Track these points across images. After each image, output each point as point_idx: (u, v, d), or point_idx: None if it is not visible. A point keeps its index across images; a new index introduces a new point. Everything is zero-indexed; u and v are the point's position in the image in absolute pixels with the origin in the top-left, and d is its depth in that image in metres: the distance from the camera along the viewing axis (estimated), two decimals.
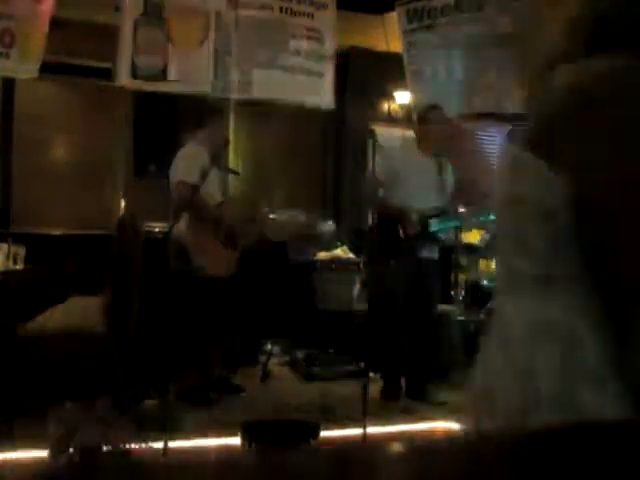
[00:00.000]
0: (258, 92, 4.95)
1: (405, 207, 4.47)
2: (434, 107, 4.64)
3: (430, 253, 4.59)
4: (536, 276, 1.07)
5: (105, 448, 2.95)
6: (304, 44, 5.04)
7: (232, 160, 6.38)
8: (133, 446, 3.07)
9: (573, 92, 0.98)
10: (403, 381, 4.70)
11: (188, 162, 4.17)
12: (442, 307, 5.14)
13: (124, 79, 4.69)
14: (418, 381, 4.67)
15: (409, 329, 4.59)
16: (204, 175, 3.94)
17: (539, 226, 1.05)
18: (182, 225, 4.15)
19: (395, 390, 4.60)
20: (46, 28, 4.38)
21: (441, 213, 4.55)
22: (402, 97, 6.60)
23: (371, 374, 4.68)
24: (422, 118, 4.65)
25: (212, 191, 4.36)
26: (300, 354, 5.52)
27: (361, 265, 5.07)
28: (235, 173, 5.01)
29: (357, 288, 5.31)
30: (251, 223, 4.64)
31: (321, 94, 5.13)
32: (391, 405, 4.50)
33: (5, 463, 3.16)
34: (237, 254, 4.47)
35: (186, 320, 4.20)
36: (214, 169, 4.29)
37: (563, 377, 1.02)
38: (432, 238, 4.54)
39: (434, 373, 4.78)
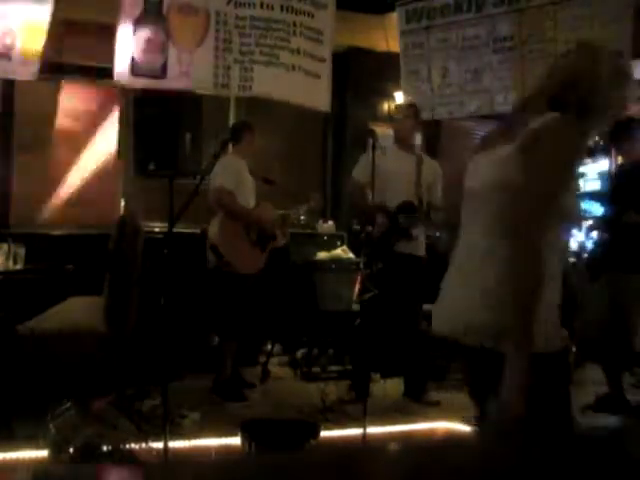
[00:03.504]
0: (258, 91, 4.95)
1: (373, 204, 4.59)
2: (409, 105, 4.86)
3: (409, 249, 4.56)
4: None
5: (105, 448, 2.95)
6: (304, 43, 5.03)
7: None
8: (133, 446, 3.07)
9: (543, 128, 1.88)
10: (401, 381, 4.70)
11: (227, 170, 4.60)
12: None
13: (124, 78, 4.68)
14: (416, 381, 4.65)
15: (398, 328, 4.58)
16: (240, 182, 4.64)
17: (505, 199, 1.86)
18: (215, 225, 4.62)
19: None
20: (46, 30, 4.37)
21: (408, 207, 4.54)
22: (402, 97, 6.60)
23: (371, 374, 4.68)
24: (394, 115, 4.86)
25: (247, 197, 4.78)
26: (300, 354, 5.52)
27: (361, 265, 5.07)
28: (270, 183, 5.13)
29: (357, 288, 5.31)
30: (282, 226, 5.01)
31: (319, 96, 5.13)
32: (390, 405, 4.50)
33: (5, 463, 3.16)
34: (266, 254, 4.85)
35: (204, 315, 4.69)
36: (249, 177, 4.83)
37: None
38: (402, 233, 4.52)
39: (431, 374, 4.77)
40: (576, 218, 2.22)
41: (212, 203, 4.69)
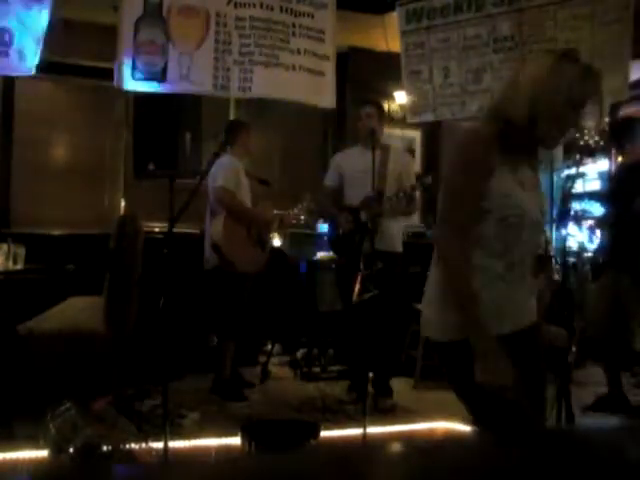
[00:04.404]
0: (259, 91, 4.94)
1: (337, 206, 4.73)
2: (373, 105, 4.94)
3: (384, 246, 4.46)
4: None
5: (105, 448, 2.95)
6: (305, 43, 5.02)
7: None
8: (133, 446, 3.07)
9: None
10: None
11: (226, 170, 4.67)
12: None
13: (124, 81, 4.67)
14: (384, 379, 4.62)
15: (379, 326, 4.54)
16: (238, 183, 4.70)
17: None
18: (218, 225, 4.62)
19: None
20: (44, 28, 4.37)
21: (370, 201, 4.48)
22: (402, 97, 6.60)
23: (370, 374, 4.67)
24: (361, 114, 4.86)
25: (245, 198, 4.82)
26: (300, 354, 5.52)
27: (361, 265, 5.06)
28: (265, 183, 5.13)
29: (357, 287, 5.31)
30: (280, 226, 5.06)
31: (323, 93, 5.12)
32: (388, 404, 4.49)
33: (5, 463, 3.16)
34: (266, 254, 4.88)
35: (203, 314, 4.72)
36: (245, 178, 4.86)
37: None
38: (365, 230, 4.47)
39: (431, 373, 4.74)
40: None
41: (215, 203, 4.71)
